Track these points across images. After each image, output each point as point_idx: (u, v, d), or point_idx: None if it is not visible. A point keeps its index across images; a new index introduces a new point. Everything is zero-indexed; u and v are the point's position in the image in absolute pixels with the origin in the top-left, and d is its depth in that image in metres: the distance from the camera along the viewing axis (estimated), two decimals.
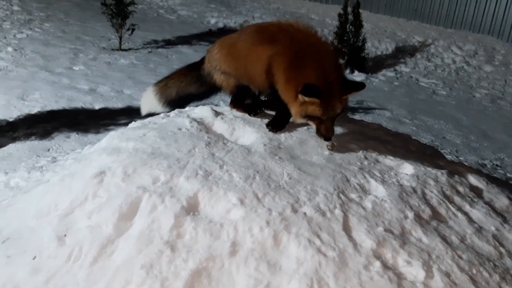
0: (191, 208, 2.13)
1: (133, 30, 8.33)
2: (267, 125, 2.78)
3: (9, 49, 7.71)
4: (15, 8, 10.16)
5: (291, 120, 2.68)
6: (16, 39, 8.27)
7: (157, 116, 2.96)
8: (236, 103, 3.01)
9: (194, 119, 2.78)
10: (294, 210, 2.13)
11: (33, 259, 2.13)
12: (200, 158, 2.40)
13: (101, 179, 2.32)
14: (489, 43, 10.14)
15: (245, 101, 3.02)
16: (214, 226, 2.04)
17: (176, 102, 3.11)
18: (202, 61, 3.08)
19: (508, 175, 5.22)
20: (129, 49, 8.52)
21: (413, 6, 11.35)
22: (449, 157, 5.32)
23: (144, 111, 3.15)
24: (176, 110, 2.99)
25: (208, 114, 2.87)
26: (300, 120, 2.59)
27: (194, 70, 3.08)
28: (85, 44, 8.49)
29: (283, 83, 2.54)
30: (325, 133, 2.56)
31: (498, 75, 8.88)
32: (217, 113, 2.91)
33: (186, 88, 3.08)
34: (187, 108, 3.10)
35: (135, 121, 3.07)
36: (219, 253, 1.96)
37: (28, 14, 9.84)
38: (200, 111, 2.93)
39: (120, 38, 8.40)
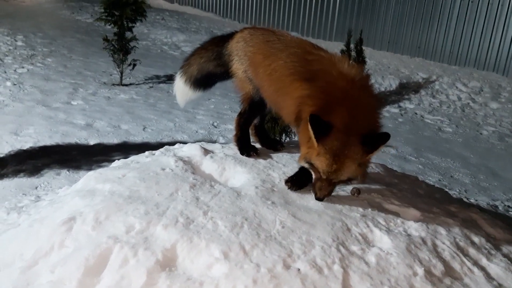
0: (167, 263, 1.86)
1: (134, 65, 8.28)
2: (286, 181, 2.42)
3: (8, 83, 7.64)
4: (19, 43, 10.21)
5: (299, 163, 2.32)
6: (16, 74, 8.22)
7: (141, 154, 2.74)
8: (243, 132, 2.73)
9: (181, 158, 2.55)
10: (286, 266, 1.86)
11: None
12: (182, 203, 2.15)
13: (70, 226, 2.07)
14: (495, 80, 9.99)
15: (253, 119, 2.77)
16: (192, 285, 1.76)
17: (200, 81, 2.82)
18: (229, 35, 2.77)
19: None
20: (130, 84, 8.44)
21: (417, 43, 11.31)
22: (457, 197, 5.04)
23: (181, 103, 2.89)
24: (163, 148, 2.77)
25: (196, 152, 2.64)
26: (303, 164, 2.25)
27: (216, 44, 2.79)
28: (86, 79, 8.43)
29: (302, 135, 2.22)
30: (317, 191, 2.22)
31: (505, 112, 8.67)
32: (206, 151, 2.68)
33: (206, 65, 2.81)
34: (176, 146, 2.88)
35: (118, 159, 2.84)
36: None
37: (31, 50, 9.87)
38: (188, 149, 2.70)
39: (121, 73, 8.34)
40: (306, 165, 2.25)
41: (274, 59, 2.47)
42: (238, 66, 2.66)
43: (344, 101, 2.14)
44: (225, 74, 2.79)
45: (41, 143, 5.57)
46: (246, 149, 2.74)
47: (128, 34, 8.21)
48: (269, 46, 2.54)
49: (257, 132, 2.90)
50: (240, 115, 2.77)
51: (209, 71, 2.80)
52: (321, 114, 2.09)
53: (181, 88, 2.83)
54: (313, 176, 2.27)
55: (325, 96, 2.18)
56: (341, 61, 2.31)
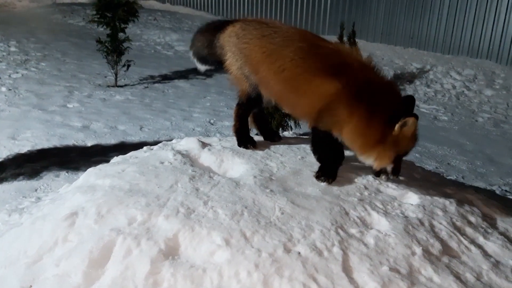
0: (170, 251, 1.89)
1: (128, 66, 8.28)
2: (317, 177, 2.43)
3: (3, 89, 7.63)
4: (12, 49, 10.19)
5: (374, 167, 2.40)
6: (11, 79, 8.21)
7: (140, 150, 2.77)
8: (242, 124, 2.76)
9: (179, 152, 2.58)
10: (287, 250, 1.89)
11: None
12: (182, 194, 2.18)
13: (72, 221, 2.09)
14: (488, 67, 10.04)
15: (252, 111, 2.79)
16: (195, 272, 1.79)
17: (205, 60, 2.86)
18: (222, 24, 2.75)
19: None
20: (125, 85, 8.44)
21: (410, 33, 11.35)
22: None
23: (200, 68, 2.92)
24: (161, 143, 2.79)
25: (194, 145, 2.67)
26: (385, 165, 2.37)
27: (210, 32, 2.78)
28: (81, 81, 8.42)
29: (358, 130, 2.28)
30: (396, 171, 2.40)
31: (499, 99, 8.73)
32: (204, 144, 2.71)
33: (201, 50, 2.83)
34: (173, 140, 2.91)
35: (117, 155, 2.87)
36: None
37: (25, 55, 9.85)
38: (186, 142, 2.73)
39: (116, 74, 8.34)
40: (389, 165, 2.37)
41: (278, 56, 2.45)
42: (232, 62, 2.63)
43: (378, 89, 2.30)
44: (218, 63, 2.80)
45: (39, 146, 5.57)
46: (244, 141, 2.76)
47: (121, 35, 8.22)
48: (268, 42, 2.50)
49: (256, 120, 2.90)
50: (239, 105, 2.77)
51: (204, 56, 2.83)
52: (369, 111, 2.25)
53: (195, 61, 2.90)
54: (388, 167, 2.38)
55: (360, 89, 2.26)
56: (353, 51, 2.41)
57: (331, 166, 2.47)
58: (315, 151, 2.53)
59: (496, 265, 2.06)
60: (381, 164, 2.36)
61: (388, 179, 2.48)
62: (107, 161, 5.08)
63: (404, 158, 3.31)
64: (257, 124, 2.92)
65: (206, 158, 2.59)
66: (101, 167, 2.57)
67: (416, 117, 2.27)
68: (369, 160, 2.37)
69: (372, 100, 2.25)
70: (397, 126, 2.25)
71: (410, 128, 2.29)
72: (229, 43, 2.63)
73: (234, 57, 2.62)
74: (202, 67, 2.88)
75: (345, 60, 2.35)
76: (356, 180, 2.47)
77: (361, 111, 2.25)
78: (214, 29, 2.75)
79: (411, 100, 2.40)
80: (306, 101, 2.39)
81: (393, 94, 2.36)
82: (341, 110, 2.28)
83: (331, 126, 2.37)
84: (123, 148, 5.71)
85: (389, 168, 2.40)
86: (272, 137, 2.93)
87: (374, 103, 2.25)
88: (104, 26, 8.13)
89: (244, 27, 2.62)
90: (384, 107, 2.27)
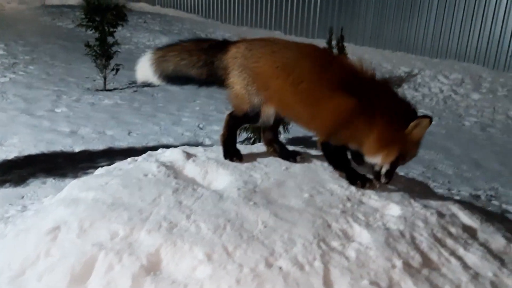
0: (152, 267, 1.90)
1: (117, 70, 8.25)
2: (353, 183, 2.57)
3: None
4: (0, 52, 10.11)
5: (378, 163, 2.50)
6: None
7: (124, 161, 2.77)
8: (230, 135, 2.75)
9: (163, 164, 2.58)
10: (269, 265, 1.91)
11: None
12: (165, 208, 2.18)
13: (55, 235, 2.09)
14: (475, 71, 10.16)
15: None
16: (177, 287, 1.80)
17: (172, 79, 2.75)
18: (219, 45, 2.69)
19: (504, 206, 5.02)
20: (114, 89, 8.41)
21: (398, 37, 11.44)
22: (440, 190, 5.14)
23: (139, 79, 2.79)
24: (145, 154, 2.79)
25: (178, 157, 2.67)
26: (388, 162, 2.47)
27: (204, 51, 2.68)
28: (69, 85, 8.38)
29: (380, 140, 2.42)
30: (391, 176, 2.51)
31: (486, 103, 8.83)
32: (188, 155, 2.72)
33: (186, 69, 2.68)
34: (158, 151, 2.91)
35: (101, 166, 2.86)
36: None
37: (13, 58, 9.78)
38: (171, 154, 2.74)
39: (105, 78, 8.31)
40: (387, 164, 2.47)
41: (294, 68, 2.49)
42: (237, 80, 2.60)
43: (388, 97, 2.47)
44: (208, 83, 2.77)
45: (26, 152, 5.54)
46: (230, 153, 2.74)
47: (110, 39, 8.19)
48: (280, 57, 2.53)
49: (274, 146, 2.86)
50: (232, 117, 2.73)
51: (188, 76, 2.73)
52: (383, 115, 2.39)
53: (146, 71, 2.72)
54: (388, 158, 2.46)
55: (374, 101, 2.40)
56: (360, 63, 2.49)
57: (354, 172, 2.60)
58: (337, 166, 2.63)
59: (476, 277, 2.10)
60: (386, 159, 2.45)
61: (378, 182, 2.54)
62: (95, 167, 5.08)
63: None
64: (276, 150, 2.86)
65: (190, 170, 2.60)
66: (85, 179, 2.57)
67: (431, 119, 2.41)
68: (377, 158, 2.48)
69: (386, 109, 2.40)
70: (411, 125, 2.38)
71: (423, 130, 2.42)
72: (235, 64, 2.60)
73: (240, 76, 2.58)
74: (152, 81, 2.77)
75: (355, 73, 2.47)
76: (339, 191, 2.49)
77: (380, 122, 2.39)
78: (210, 48, 2.69)
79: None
80: (323, 115, 2.46)
81: (401, 100, 2.52)
82: (361, 124, 2.41)
83: (349, 140, 2.50)
84: (111, 153, 5.70)
85: (384, 169, 2.48)
86: (294, 157, 2.85)
87: (388, 111, 2.40)
88: (93, 30, 8.10)
89: (250, 48, 2.60)
90: (397, 112, 2.41)
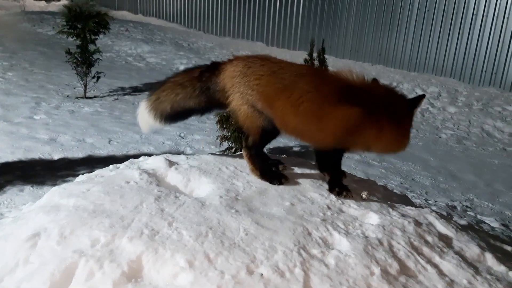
0: (133, 274, 1.90)
1: (98, 78, 8.19)
2: (332, 190, 2.62)
3: None
4: None
5: None
6: None
7: (105, 168, 2.75)
8: (261, 163, 2.70)
9: (145, 171, 2.59)
10: (250, 272, 1.93)
11: None
12: (147, 215, 2.19)
13: (34, 242, 2.07)
14: (452, 85, 10.45)
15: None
16: None
17: (173, 117, 2.71)
18: (210, 68, 2.66)
19: (479, 216, 5.16)
20: (95, 96, 8.34)
21: (377, 50, 11.70)
22: (417, 201, 5.25)
23: (144, 130, 2.77)
24: (128, 161, 2.79)
25: (161, 164, 2.68)
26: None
27: (196, 79, 2.64)
28: (48, 92, 8.28)
29: (388, 140, 2.58)
30: None
31: (462, 116, 9.08)
32: (171, 163, 2.72)
33: (183, 102, 2.64)
34: (141, 158, 2.91)
35: (81, 174, 2.84)
36: None
37: None
38: (153, 161, 2.74)
39: (85, 86, 8.24)
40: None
41: (293, 90, 2.50)
42: (241, 101, 2.56)
43: (387, 104, 2.56)
44: (209, 109, 2.77)
45: (3, 160, 5.44)
46: (274, 178, 2.66)
47: (91, 47, 8.14)
48: (279, 77, 2.53)
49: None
50: (249, 148, 2.67)
51: (188, 108, 2.68)
52: (387, 116, 2.53)
53: (147, 120, 2.70)
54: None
55: (376, 105, 2.51)
56: (352, 74, 2.57)
57: (340, 177, 2.72)
58: (337, 168, 2.71)
59: (451, 284, 2.15)
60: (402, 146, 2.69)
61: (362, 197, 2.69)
62: (74, 175, 5.03)
63: (365, 178, 3.44)
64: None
65: (172, 177, 2.61)
66: (66, 186, 2.55)
67: (424, 95, 2.73)
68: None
69: (388, 110, 2.51)
70: (416, 110, 2.62)
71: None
72: (234, 83, 2.57)
73: (243, 96, 2.55)
74: (156, 127, 2.75)
75: (350, 84, 2.54)
76: (319, 200, 2.53)
77: (385, 124, 2.51)
78: (201, 74, 2.66)
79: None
80: (329, 129, 2.52)
81: (395, 92, 2.65)
82: (368, 129, 2.51)
83: (358, 145, 2.62)
84: (91, 162, 5.64)
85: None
86: (276, 166, 2.85)
87: (391, 111, 2.52)
88: (74, 37, 8.04)
89: (248, 65, 2.59)
90: (398, 104, 2.56)
